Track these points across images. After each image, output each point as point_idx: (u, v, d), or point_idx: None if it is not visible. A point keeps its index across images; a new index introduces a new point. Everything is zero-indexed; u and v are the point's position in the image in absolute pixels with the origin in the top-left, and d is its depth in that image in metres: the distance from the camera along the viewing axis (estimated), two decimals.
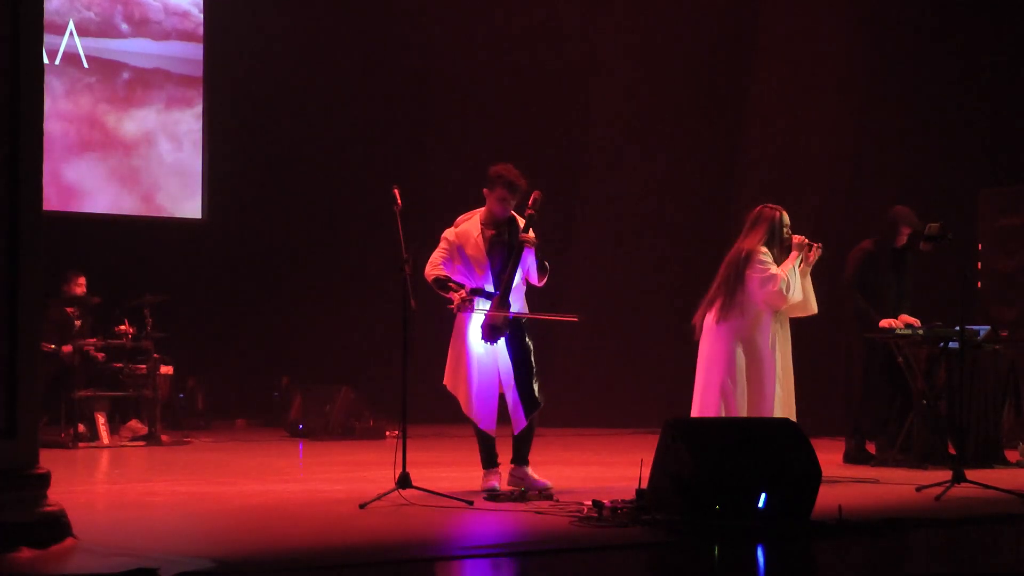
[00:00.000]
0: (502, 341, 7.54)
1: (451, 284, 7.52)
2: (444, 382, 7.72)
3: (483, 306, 7.52)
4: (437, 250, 7.67)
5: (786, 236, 8.34)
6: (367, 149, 15.05)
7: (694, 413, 8.35)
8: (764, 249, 8.25)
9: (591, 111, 14.78)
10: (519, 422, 7.57)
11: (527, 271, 7.66)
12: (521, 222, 7.66)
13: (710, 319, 8.32)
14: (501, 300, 7.50)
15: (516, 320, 7.60)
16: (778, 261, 8.28)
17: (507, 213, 7.66)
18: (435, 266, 7.61)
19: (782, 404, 8.28)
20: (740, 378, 8.22)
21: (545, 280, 7.73)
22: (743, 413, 8.17)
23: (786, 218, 8.39)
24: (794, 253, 8.29)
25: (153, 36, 14.27)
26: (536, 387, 7.63)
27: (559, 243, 14.74)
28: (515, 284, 7.60)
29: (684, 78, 14.28)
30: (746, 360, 8.23)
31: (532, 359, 7.67)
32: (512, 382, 7.57)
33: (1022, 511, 6.92)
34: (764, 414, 8.17)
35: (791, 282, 8.19)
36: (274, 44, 14.70)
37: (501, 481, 7.62)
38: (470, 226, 7.68)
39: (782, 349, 8.34)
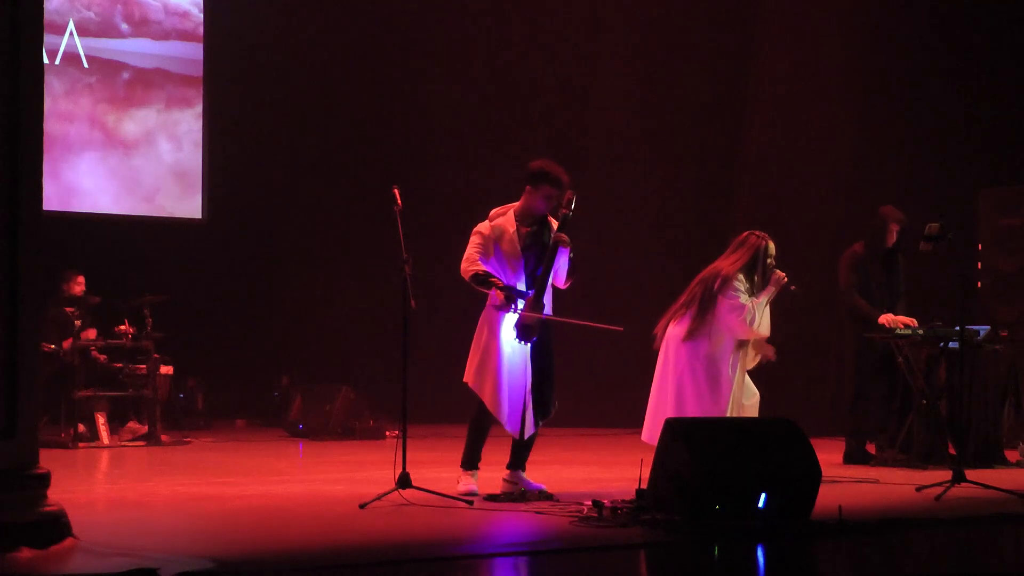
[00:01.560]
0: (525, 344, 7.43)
1: (492, 279, 7.34)
2: (465, 379, 7.52)
3: (517, 293, 7.38)
4: (471, 246, 7.47)
5: (768, 266, 8.33)
6: (367, 149, 15.05)
7: (648, 422, 8.34)
8: (740, 276, 8.25)
9: (590, 112, 14.77)
10: (530, 427, 7.50)
11: (556, 272, 7.53)
12: (553, 222, 7.55)
13: (675, 332, 8.34)
14: (536, 300, 7.38)
15: (545, 323, 7.48)
16: (758, 289, 8.27)
17: (549, 210, 7.51)
18: (473, 262, 7.41)
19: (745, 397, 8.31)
20: (696, 397, 8.22)
21: (568, 285, 7.61)
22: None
23: (772, 248, 8.38)
24: (770, 288, 8.28)
25: (153, 36, 14.26)
26: (552, 395, 7.58)
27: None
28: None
29: (683, 79, 14.28)
30: (705, 382, 8.22)
31: (552, 366, 7.60)
32: (530, 387, 7.47)
33: (1022, 511, 6.93)
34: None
35: (756, 315, 8.18)
36: (274, 44, 14.70)
37: (479, 485, 7.52)
38: (505, 222, 7.50)
39: (740, 375, 8.31)
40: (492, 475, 7.70)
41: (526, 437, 7.52)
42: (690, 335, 8.25)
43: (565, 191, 7.48)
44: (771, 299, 8.29)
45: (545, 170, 7.48)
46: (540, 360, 7.51)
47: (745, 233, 8.50)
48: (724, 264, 8.35)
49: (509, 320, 7.41)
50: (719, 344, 8.25)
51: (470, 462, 7.58)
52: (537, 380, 7.49)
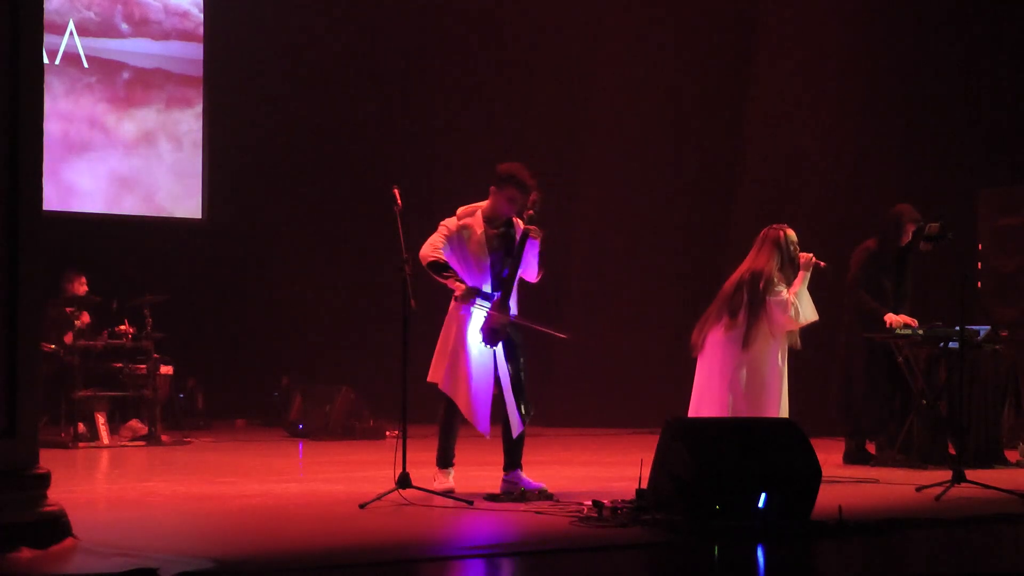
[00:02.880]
0: (499, 344, 7.49)
1: (448, 273, 7.39)
2: (438, 383, 7.55)
3: (483, 304, 7.44)
4: (436, 235, 7.52)
5: (793, 254, 8.42)
6: (367, 149, 15.05)
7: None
8: (779, 274, 8.36)
9: (591, 111, 14.77)
10: (517, 426, 7.52)
11: (526, 267, 7.56)
12: (518, 223, 7.61)
13: (718, 336, 8.37)
14: (502, 302, 7.43)
15: (514, 325, 7.53)
16: (789, 279, 8.37)
17: (513, 213, 7.58)
18: (435, 248, 7.45)
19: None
20: (745, 396, 8.30)
21: (540, 278, 7.64)
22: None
23: (792, 235, 8.49)
24: (801, 273, 8.39)
25: (153, 36, 14.26)
26: (526, 392, 7.58)
27: (559, 243, 14.74)
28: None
29: (683, 79, 14.28)
30: (753, 381, 8.30)
31: (524, 363, 7.61)
32: (509, 386, 7.50)
33: (1022, 511, 6.93)
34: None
35: (799, 306, 8.28)
36: (274, 44, 14.70)
37: (456, 482, 7.56)
38: (473, 222, 7.56)
39: (784, 367, 8.50)
40: (492, 475, 7.70)
41: (515, 435, 7.53)
42: (736, 337, 8.34)
43: (529, 194, 7.54)
44: (807, 283, 8.37)
45: (510, 173, 7.56)
46: (513, 359, 7.53)
47: (763, 231, 8.60)
48: (760, 264, 8.44)
49: (476, 322, 7.45)
50: (767, 343, 8.37)
51: (444, 460, 7.64)
52: (514, 379, 7.51)
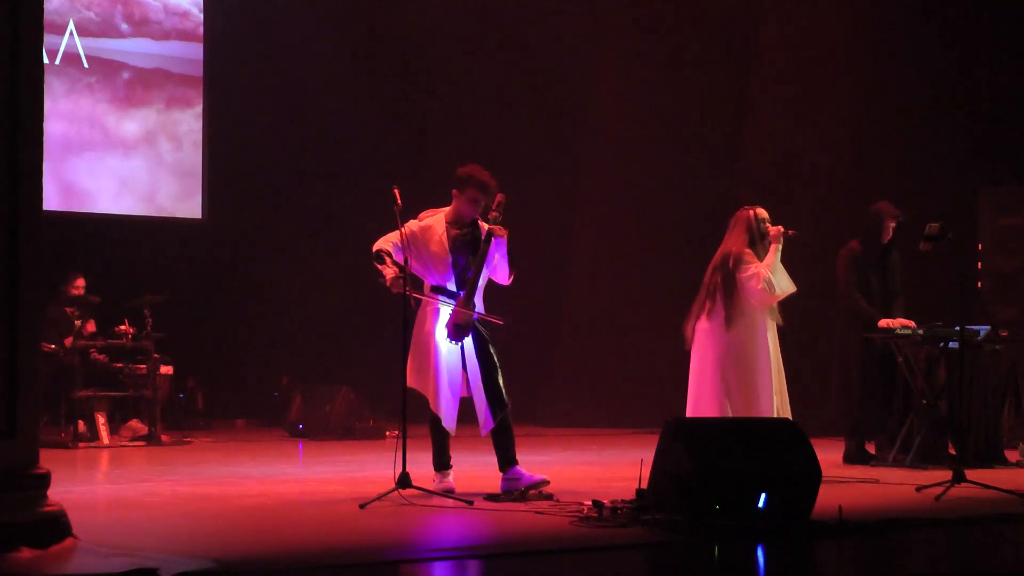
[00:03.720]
0: (468, 341, 7.50)
1: (387, 258, 7.40)
2: (409, 383, 7.54)
3: (447, 301, 7.46)
4: (395, 232, 7.53)
5: (764, 231, 8.45)
6: (367, 149, 15.05)
7: (690, 415, 8.39)
8: (748, 250, 8.36)
9: (590, 112, 14.77)
10: (487, 423, 7.50)
11: (493, 269, 7.60)
12: (483, 226, 7.61)
13: (706, 326, 8.39)
14: (467, 299, 7.46)
15: (480, 319, 7.55)
16: (762, 256, 8.38)
17: (476, 214, 7.63)
18: (386, 241, 7.51)
19: (779, 401, 8.34)
20: (737, 380, 8.28)
21: (512, 279, 7.66)
22: (741, 414, 8.22)
23: (762, 213, 8.53)
24: (773, 246, 8.41)
25: (153, 36, 14.26)
26: (503, 386, 7.58)
27: (559, 243, 14.75)
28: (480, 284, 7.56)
29: (683, 78, 14.28)
30: (742, 362, 8.29)
31: (496, 359, 7.62)
32: (479, 383, 7.50)
33: (1022, 511, 6.93)
34: (762, 413, 8.22)
35: (774, 277, 8.27)
36: (274, 44, 14.70)
37: (455, 482, 7.58)
38: (434, 223, 7.62)
39: (774, 346, 8.45)
40: (492, 475, 7.70)
41: (484, 432, 7.54)
42: (718, 320, 8.36)
43: (491, 195, 7.59)
44: (779, 255, 8.39)
45: (470, 174, 7.62)
46: (481, 355, 7.53)
47: (736, 214, 8.59)
48: (729, 245, 8.46)
49: (442, 320, 7.47)
50: (751, 322, 8.37)
51: (440, 463, 7.65)
52: (484, 375, 7.51)
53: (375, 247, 7.53)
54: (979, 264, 12.42)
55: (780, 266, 8.38)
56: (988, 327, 9.63)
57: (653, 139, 14.37)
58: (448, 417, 7.51)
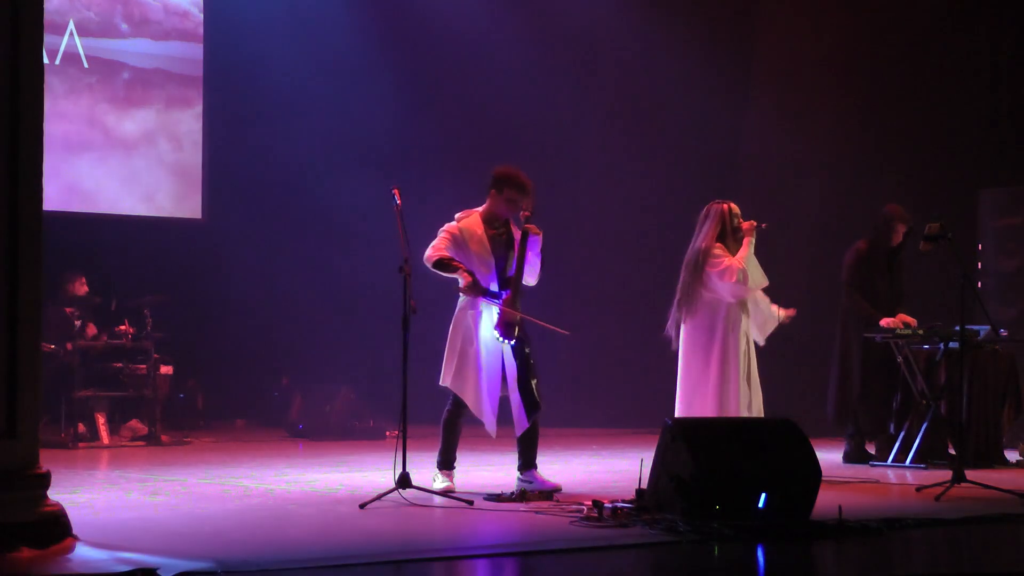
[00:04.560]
0: (506, 342, 7.56)
1: (455, 263, 7.51)
2: (445, 383, 7.66)
3: (492, 302, 7.54)
4: (439, 238, 7.66)
5: (736, 226, 8.44)
6: (367, 149, 15.04)
7: (679, 414, 8.39)
8: (718, 244, 8.35)
9: (588, 106, 14.76)
10: (522, 423, 7.59)
11: (529, 266, 7.70)
12: (513, 225, 7.72)
13: (679, 321, 8.41)
14: (513, 299, 7.55)
15: (522, 321, 7.63)
16: (734, 250, 8.37)
17: (513, 214, 7.73)
18: (439, 250, 7.58)
19: (752, 396, 8.32)
20: (721, 372, 8.28)
21: (538, 280, 7.77)
22: (725, 408, 8.22)
23: (735, 208, 8.52)
24: (747, 239, 8.41)
25: (153, 36, 14.25)
26: (536, 389, 7.64)
27: (558, 243, 14.73)
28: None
29: (683, 78, 14.27)
30: (712, 353, 8.31)
31: (532, 359, 7.69)
32: (515, 384, 7.58)
33: (1022, 511, 6.93)
34: (730, 408, 8.22)
35: (748, 270, 8.26)
36: (274, 44, 14.69)
37: (455, 483, 7.62)
38: (472, 224, 7.70)
39: (746, 341, 8.43)
40: (493, 475, 7.71)
41: (519, 433, 7.63)
42: (690, 316, 8.35)
43: (528, 195, 7.67)
44: (753, 249, 8.39)
45: (509, 175, 7.72)
46: (520, 356, 7.61)
47: (707, 206, 8.58)
48: (699, 242, 8.44)
49: (487, 321, 7.51)
50: (726, 315, 8.37)
51: (445, 462, 7.70)
52: (521, 376, 7.58)
53: (431, 258, 7.56)
54: (979, 264, 12.42)
55: (754, 259, 8.38)
56: (988, 327, 9.64)
57: (651, 138, 14.37)
58: (490, 421, 7.58)
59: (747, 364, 8.36)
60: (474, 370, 7.56)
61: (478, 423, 7.66)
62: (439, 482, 7.58)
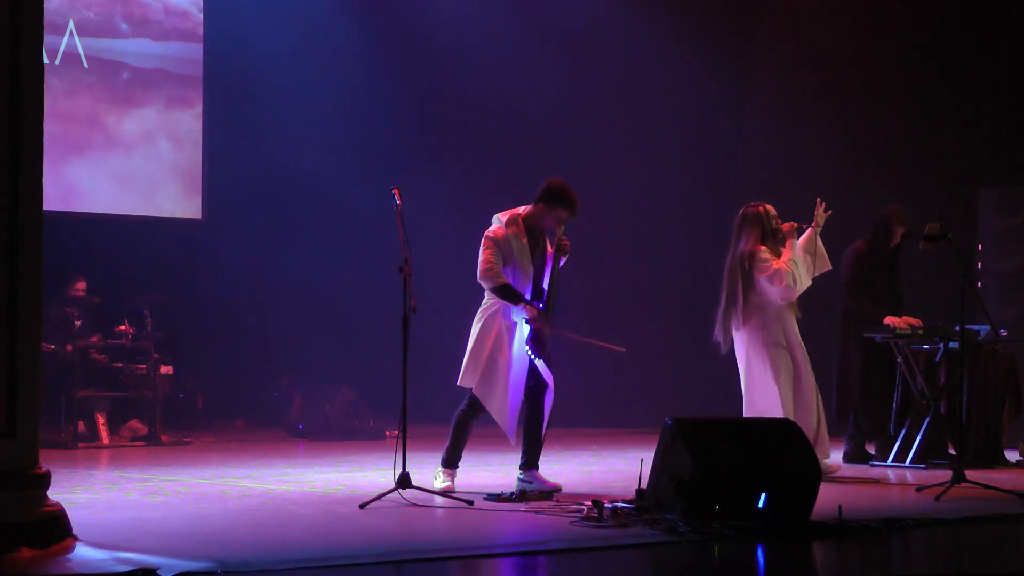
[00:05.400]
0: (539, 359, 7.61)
1: (522, 300, 7.51)
2: (463, 383, 7.63)
3: (563, 331, 7.77)
4: (489, 252, 7.55)
5: (776, 227, 8.49)
6: (367, 149, 15.04)
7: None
8: (763, 247, 8.40)
9: (589, 111, 14.76)
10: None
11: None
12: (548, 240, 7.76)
13: (733, 329, 8.45)
14: (548, 314, 7.60)
15: (556, 333, 7.75)
16: (776, 252, 8.42)
17: (555, 230, 7.67)
18: (499, 273, 7.52)
19: (813, 395, 8.46)
20: (780, 373, 8.39)
21: None
22: (789, 405, 8.33)
23: (771, 210, 8.57)
24: (789, 241, 8.46)
25: (153, 36, 14.25)
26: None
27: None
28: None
29: (683, 77, 14.27)
30: (779, 353, 8.41)
31: (550, 367, 7.69)
32: (550, 390, 7.63)
33: (1022, 511, 6.93)
34: (805, 398, 8.33)
35: (795, 272, 8.32)
36: (274, 44, 14.68)
37: (455, 483, 7.65)
38: (517, 230, 7.62)
39: (798, 340, 8.58)
40: (493, 475, 7.71)
41: (523, 425, 7.67)
42: (744, 321, 8.47)
43: (576, 217, 7.68)
44: (798, 250, 8.48)
45: (564, 194, 7.65)
46: (548, 370, 7.64)
47: (741, 211, 8.65)
48: (742, 246, 8.48)
49: (521, 333, 7.52)
50: (777, 316, 8.48)
51: (451, 461, 7.71)
52: (536, 387, 7.63)
53: (496, 281, 7.52)
54: (979, 264, 12.41)
55: (798, 260, 8.45)
56: (988, 327, 9.64)
57: (651, 140, 14.37)
58: (511, 430, 7.61)
59: (798, 362, 8.45)
60: (504, 381, 7.55)
61: (486, 425, 7.69)
62: (440, 480, 7.59)
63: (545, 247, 7.72)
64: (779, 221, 8.58)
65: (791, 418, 8.16)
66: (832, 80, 13.58)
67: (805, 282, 8.47)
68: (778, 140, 13.75)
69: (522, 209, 7.72)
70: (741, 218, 8.61)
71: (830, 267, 8.78)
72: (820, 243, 8.68)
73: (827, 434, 8.62)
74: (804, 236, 8.60)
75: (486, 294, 7.68)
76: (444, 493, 7.36)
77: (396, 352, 7.28)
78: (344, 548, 5.78)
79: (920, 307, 10.08)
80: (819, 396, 8.58)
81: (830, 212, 8.68)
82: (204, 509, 7.04)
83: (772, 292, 8.40)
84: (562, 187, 7.65)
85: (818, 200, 8.68)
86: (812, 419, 8.42)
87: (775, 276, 8.35)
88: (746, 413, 8.50)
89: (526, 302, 7.51)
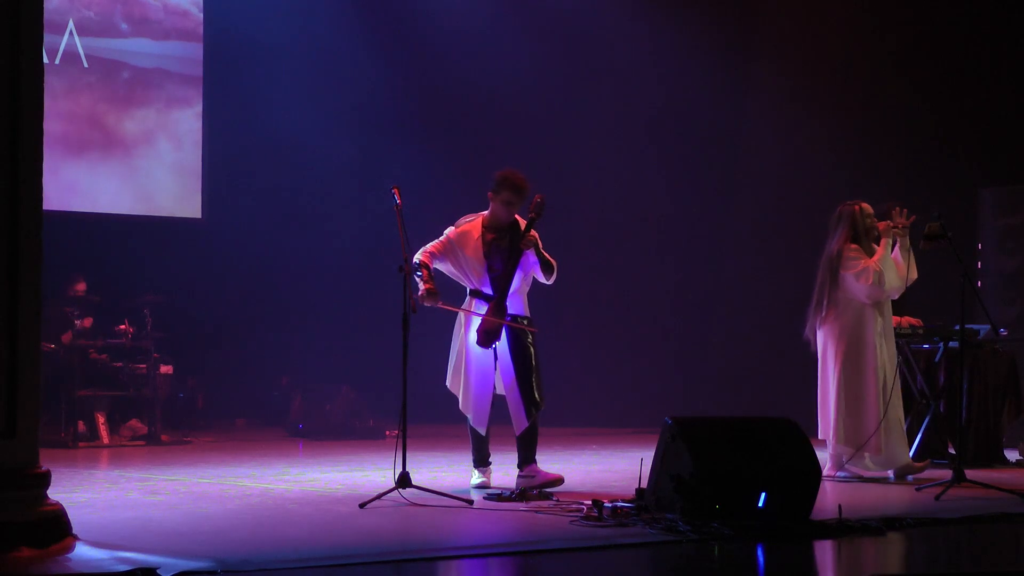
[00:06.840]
0: (503, 343, 7.62)
1: (423, 271, 7.60)
2: (447, 383, 7.85)
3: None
4: (433, 242, 7.80)
5: (871, 226, 8.51)
6: (367, 149, 15.04)
7: (820, 419, 8.60)
8: (853, 246, 8.42)
9: (589, 109, 14.76)
10: (520, 423, 7.66)
11: (529, 272, 7.77)
12: (523, 224, 7.75)
13: (816, 324, 8.61)
14: (496, 307, 7.61)
15: (516, 322, 7.68)
16: (869, 251, 8.44)
17: (511, 217, 7.78)
18: (424, 253, 7.72)
19: (890, 397, 8.43)
20: (846, 378, 8.44)
21: (554, 278, 7.84)
22: (843, 405, 8.41)
23: (867, 209, 8.59)
24: (884, 240, 8.47)
25: (153, 36, 14.25)
26: (536, 388, 7.67)
27: (558, 243, 14.72)
28: (515, 287, 7.68)
29: (682, 77, 14.27)
30: (850, 359, 8.45)
31: (534, 360, 7.71)
32: (514, 383, 7.64)
33: (1022, 511, 6.93)
34: (869, 412, 8.36)
35: (884, 272, 8.32)
36: (274, 44, 14.69)
37: (491, 479, 7.76)
38: (471, 228, 7.79)
39: (888, 341, 8.57)
40: (494, 475, 7.71)
41: (518, 432, 7.72)
42: (825, 318, 8.52)
43: (525, 197, 7.75)
44: (891, 250, 8.48)
45: (505, 177, 7.77)
46: (516, 356, 7.67)
47: (838, 208, 8.72)
48: (834, 244, 8.55)
49: (475, 326, 7.64)
50: (858, 317, 8.49)
51: (480, 460, 7.84)
52: (519, 376, 7.65)
53: (415, 257, 7.70)
54: (979, 263, 12.41)
55: (890, 261, 8.45)
56: (988, 327, 9.64)
57: (651, 139, 14.36)
58: (476, 417, 7.71)
59: (883, 366, 8.44)
60: (465, 370, 7.71)
61: (504, 423, 7.74)
62: (475, 478, 7.77)
63: (516, 239, 7.74)
64: (874, 220, 8.58)
65: (844, 417, 8.23)
66: (832, 80, 13.58)
67: (895, 283, 8.47)
68: (777, 142, 13.74)
69: (487, 211, 7.84)
70: (836, 216, 8.66)
71: (916, 276, 8.68)
72: (912, 253, 8.60)
73: (902, 436, 8.55)
74: (897, 243, 8.54)
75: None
76: (481, 487, 7.57)
77: (396, 352, 7.28)
78: (344, 548, 5.78)
79: (920, 307, 10.08)
80: (889, 398, 8.44)
81: (913, 218, 8.56)
82: (204, 508, 7.05)
83: (858, 290, 8.42)
84: (504, 173, 7.78)
85: (896, 209, 8.57)
86: (871, 420, 8.38)
87: (862, 274, 8.38)
88: (830, 418, 8.51)
89: (424, 277, 7.58)
